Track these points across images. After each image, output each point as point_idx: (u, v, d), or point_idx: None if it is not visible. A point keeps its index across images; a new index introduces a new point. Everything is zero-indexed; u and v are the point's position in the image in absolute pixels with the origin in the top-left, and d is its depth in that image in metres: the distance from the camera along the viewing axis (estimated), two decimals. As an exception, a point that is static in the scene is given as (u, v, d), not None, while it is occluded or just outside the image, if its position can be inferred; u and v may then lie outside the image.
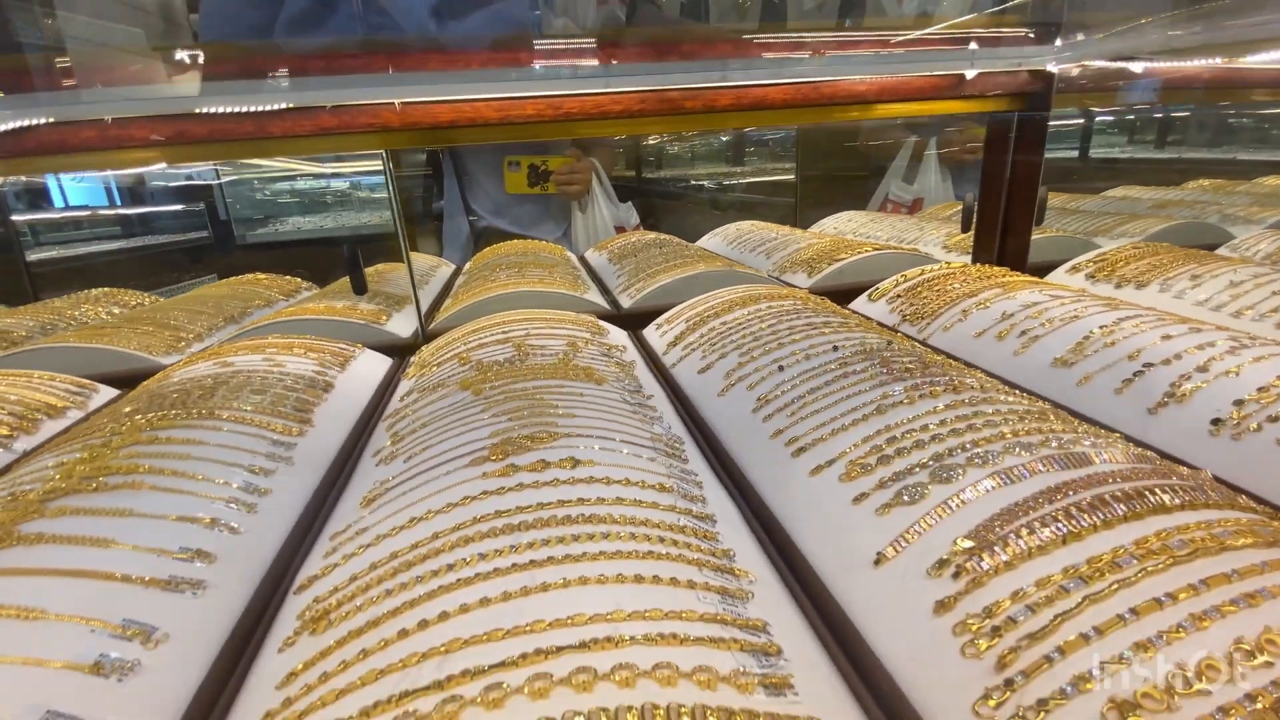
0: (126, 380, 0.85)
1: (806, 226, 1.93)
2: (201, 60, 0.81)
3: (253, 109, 0.80)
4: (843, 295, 1.06)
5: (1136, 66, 0.95)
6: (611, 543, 0.37)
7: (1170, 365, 0.61)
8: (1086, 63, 0.93)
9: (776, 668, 0.31)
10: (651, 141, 3.39)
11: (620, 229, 1.93)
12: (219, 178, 2.52)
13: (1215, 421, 0.54)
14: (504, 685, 0.28)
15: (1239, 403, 0.54)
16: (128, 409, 0.64)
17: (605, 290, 1.28)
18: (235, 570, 0.45)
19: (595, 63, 0.85)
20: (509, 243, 1.65)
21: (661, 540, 0.39)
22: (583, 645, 0.29)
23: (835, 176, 2.48)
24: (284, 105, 0.79)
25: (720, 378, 0.72)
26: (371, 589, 0.37)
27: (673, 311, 0.98)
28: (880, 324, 0.91)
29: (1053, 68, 0.95)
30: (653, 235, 1.59)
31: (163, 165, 0.87)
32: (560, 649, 0.29)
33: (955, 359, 0.76)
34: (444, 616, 0.32)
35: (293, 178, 2.80)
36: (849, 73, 0.88)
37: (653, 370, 0.81)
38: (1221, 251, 1.13)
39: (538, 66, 0.84)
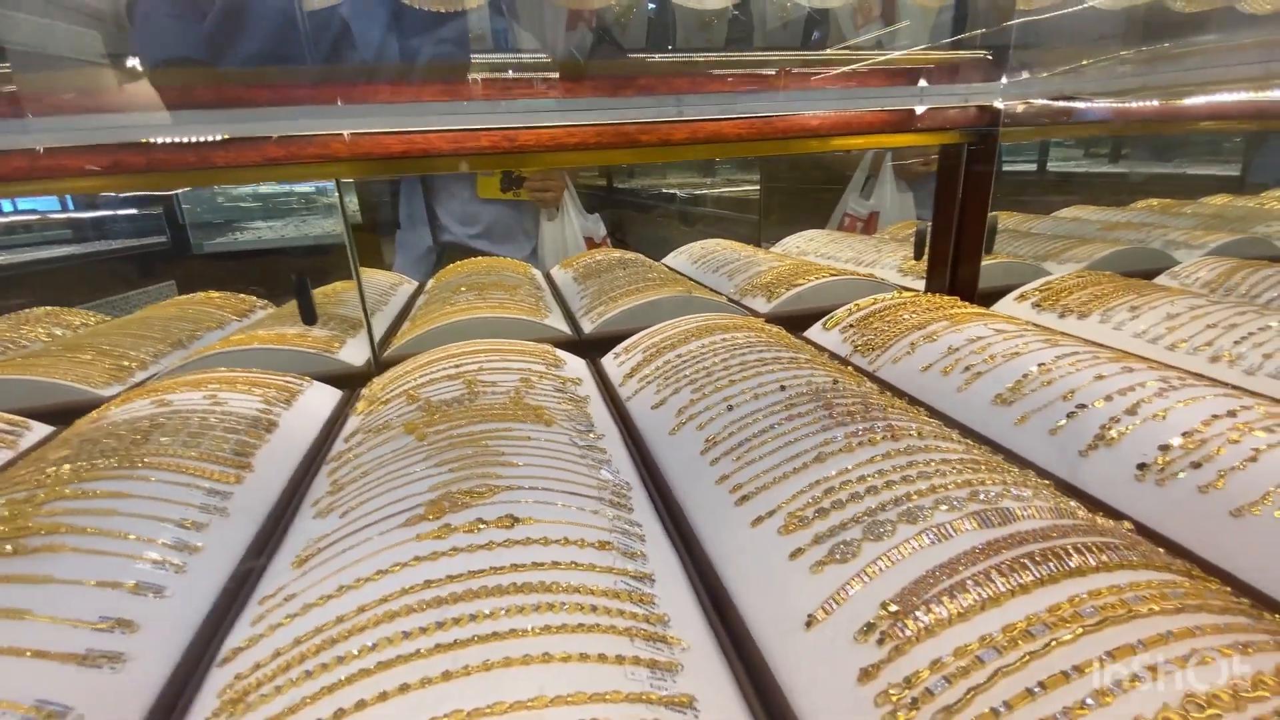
0: (63, 414, 0.82)
1: (771, 242, 1.95)
2: (140, 89, 0.79)
3: (195, 140, 0.78)
4: (801, 320, 1.08)
5: (1079, 104, 0.98)
6: (541, 615, 0.37)
7: (1101, 407, 0.63)
8: (1031, 100, 0.96)
9: (698, 749, 0.31)
10: (622, 152, 3.39)
11: (589, 240, 1.92)
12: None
13: (1141, 466, 0.56)
14: (417, 783, 0.28)
15: (1164, 447, 0.56)
16: (55, 455, 0.62)
17: (568, 312, 1.27)
18: (159, 640, 0.44)
19: (551, 96, 0.84)
20: (473, 260, 1.63)
21: (594, 609, 0.39)
22: (500, 738, 0.29)
23: (798, 191, 2.51)
24: (228, 136, 0.77)
25: (672, 415, 0.72)
26: (292, 668, 0.36)
27: (631, 340, 0.98)
28: (833, 355, 0.92)
29: (999, 104, 0.98)
30: (618, 254, 1.59)
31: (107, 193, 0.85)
32: (477, 743, 0.29)
33: (902, 394, 0.78)
34: (360, 705, 0.31)
35: (254, 183, 2.73)
36: (803, 108, 0.89)
37: (608, 404, 0.81)
38: (1162, 279, 1.17)
39: (493, 98, 0.84)
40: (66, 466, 0.59)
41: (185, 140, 0.77)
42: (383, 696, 0.32)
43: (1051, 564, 0.39)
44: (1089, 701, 0.30)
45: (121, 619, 0.44)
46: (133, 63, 0.85)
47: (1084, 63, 0.86)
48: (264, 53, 0.89)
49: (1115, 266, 1.25)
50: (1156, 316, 0.91)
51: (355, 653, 0.35)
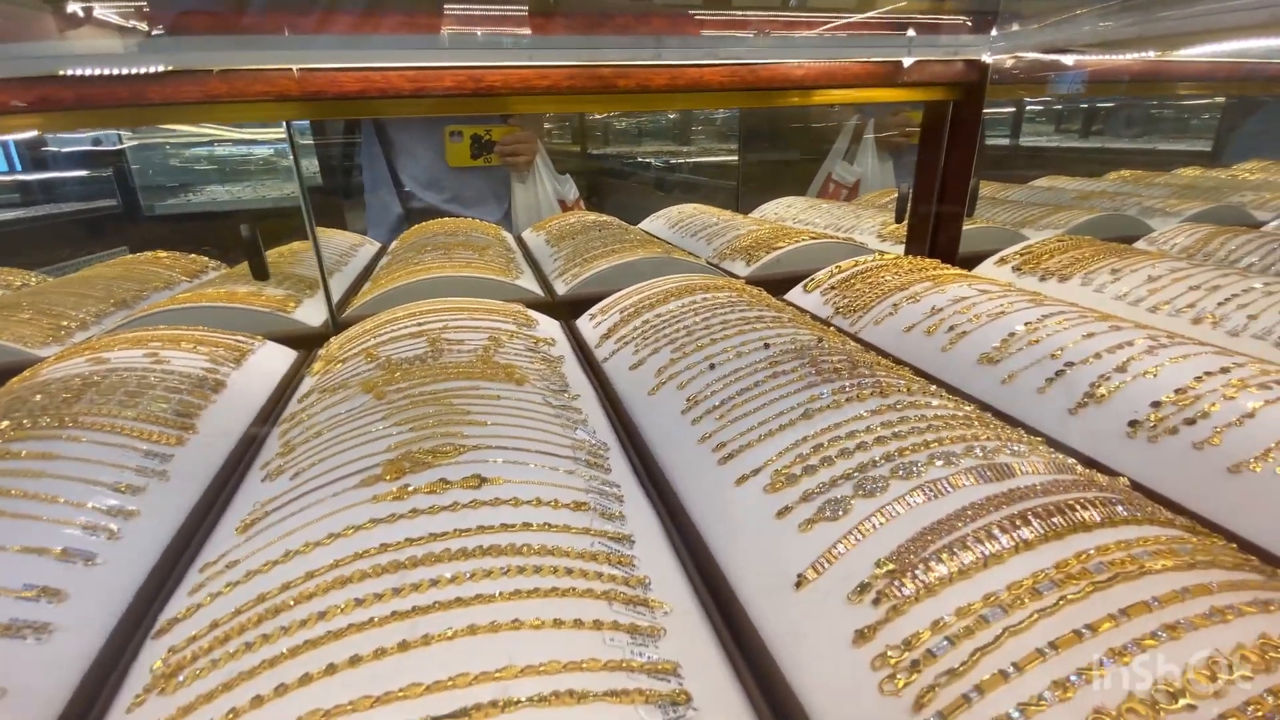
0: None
1: (749, 208, 1.91)
2: (66, 10, 0.71)
3: (127, 71, 0.70)
4: (780, 284, 1.05)
5: (1069, 58, 0.95)
6: (511, 579, 0.34)
7: (1090, 365, 0.61)
8: (1020, 54, 0.93)
9: (683, 719, 0.29)
10: (597, 117, 3.31)
11: (561, 203, 1.86)
12: (121, 141, 2.31)
13: (1132, 423, 0.54)
14: (369, 765, 0.24)
15: (1156, 404, 0.54)
16: (-26, 416, 0.56)
17: (541, 275, 1.22)
18: (90, 610, 0.39)
19: (521, 33, 0.79)
20: (439, 221, 1.56)
21: (569, 572, 0.35)
22: (463, 713, 0.26)
23: (778, 159, 2.47)
24: (164, 68, 0.70)
25: (651, 375, 0.69)
26: (231, 640, 0.32)
27: (607, 301, 0.94)
28: (814, 316, 0.89)
29: (987, 58, 0.94)
30: (593, 217, 1.53)
31: (34, 133, 0.77)
32: (437, 719, 0.26)
33: (886, 354, 0.75)
34: (306, 680, 0.28)
35: (209, 144, 2.59)
36: (787, 56, 0.85)
37: (583, 365, 0.77)
38: (1140, 245, 1.17)
39: (457, 34, 0.78)
40: (-15, 427, 0.53)
41: (117, 72, 0.70)
42: (330, 670, 0.28)
43: (1055, 519, 0.36)
44: (1105, 661, 0.28)
45: (48, 588, 0.39)
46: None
47: (1078, 12, 0.82)
48: None
49: (1092, 233, 1.24)
50: (1138, 279, 0.90)
51: (301, 622, 0.31)
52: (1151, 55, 0.84)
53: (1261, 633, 0.28)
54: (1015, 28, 0.93)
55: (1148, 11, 0.76)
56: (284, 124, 0.83)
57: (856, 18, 0.93)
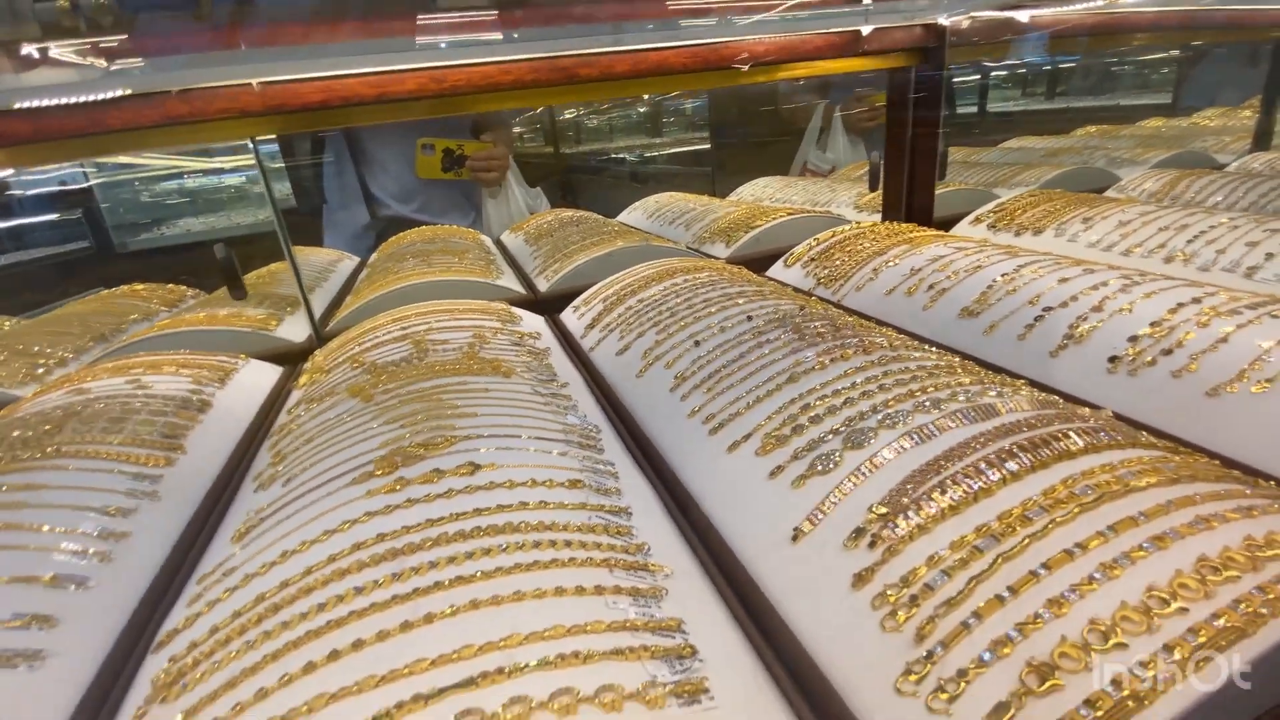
0: (-30, 419, 0.74)
1: (725, 195, 1.91)
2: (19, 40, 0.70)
3: (83, 99, 0.70)
4: (761, 262, 1.05)
5: (1022, 16, 0.96)
6: (510, 555, 0.34)
7: (1068, 307, 0.62)
8: (975, 14, 0.94)
9: (690, 671, 0.29)
10: (568, 115, 3.30)
11: (533, 215, 1.86)
12: (88, 179, 2.29)
13: (1112, 359, 0.55)
14: (377, 742, 0.24)
15: (1133, 339, 0.55)
16: (-44, 455, 0.55)
17: (523, 275, 1.22)
18: (84, 633, 0.39)
19: (479, 31, 0.79)
20: (416, 230, 1.56)
21: (569, 544, 0.36)
22: (469, 682, 0.26)
23: (750, 143, 2.48)
24: (121, 92, 0.69)
25: (638, 358, 0.69)
26: (233, 641, 0.32)
27: (590, 292, 0.94)
28: (796, 289, 0.90)
29: (944, 20, 0.95)
30: (570, 213, 1.53)
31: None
32: (443, 690, 0.26)
33: (868, 318, 0.76)
34: (310, 668, 0.28)
35: (180, 175, 2.56)
36: (746, 32, 0.85)
37: (570, 356, 0.77)
38: (1110, 193, 1.18)
39: (415, 35, 0.78)
40: (-33, 464, 0.53)
41: (74, 101, 0.69)
42: (334, 656, 0.28)
43: (1041, 450, 0.37)
44: (1096, 576, 0.29)
45: (38, 615, 0.39)
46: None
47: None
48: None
49: (1062, 187, 1.25)
50: (1109, 225, 0.91)
51: (302, 615, 0.31)
52: (1099, 3, 0.85)
53: (1246, 535, 0.29)
54: (968, -12, 0.94)
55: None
56: (249, 142, 0.82)
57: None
